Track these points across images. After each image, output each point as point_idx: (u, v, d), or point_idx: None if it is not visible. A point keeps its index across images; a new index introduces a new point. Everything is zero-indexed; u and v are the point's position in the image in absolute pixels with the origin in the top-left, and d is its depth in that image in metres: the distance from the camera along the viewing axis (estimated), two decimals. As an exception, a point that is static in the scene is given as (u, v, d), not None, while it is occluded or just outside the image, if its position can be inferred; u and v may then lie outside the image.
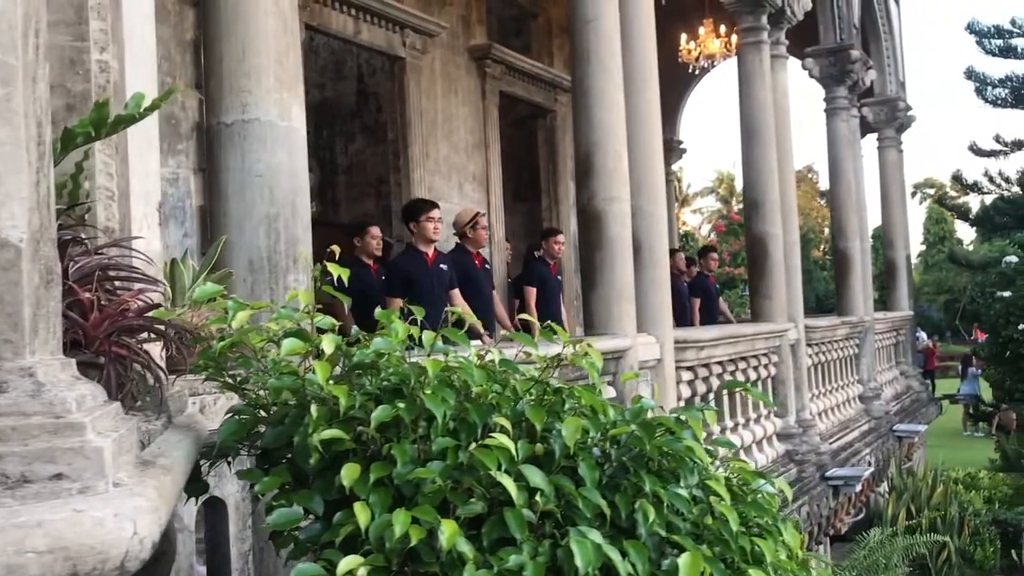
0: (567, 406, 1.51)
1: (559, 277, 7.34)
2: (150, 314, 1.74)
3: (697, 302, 9.35)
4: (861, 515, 8.72)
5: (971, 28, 14.46)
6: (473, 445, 1.37)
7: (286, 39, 2.75)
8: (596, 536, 1.34)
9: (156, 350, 1.84)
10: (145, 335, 1.75)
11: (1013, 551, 8.51)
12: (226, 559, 2.59)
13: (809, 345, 7.79)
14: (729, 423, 6.10)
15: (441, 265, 5.82)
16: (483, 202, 9.17)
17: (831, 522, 7.58)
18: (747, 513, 1.58)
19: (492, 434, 1.38)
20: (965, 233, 47.04)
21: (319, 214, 9.39)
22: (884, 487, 9.27)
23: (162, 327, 1.75)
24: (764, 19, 7.11)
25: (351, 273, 6.13)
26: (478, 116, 9.16)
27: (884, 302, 12.60)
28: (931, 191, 48.08)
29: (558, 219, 10.52)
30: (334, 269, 1.53)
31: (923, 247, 50.02)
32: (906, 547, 5.91)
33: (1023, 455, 11.07)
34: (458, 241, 6.49)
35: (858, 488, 7.41)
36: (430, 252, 5.76)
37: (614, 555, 1.33)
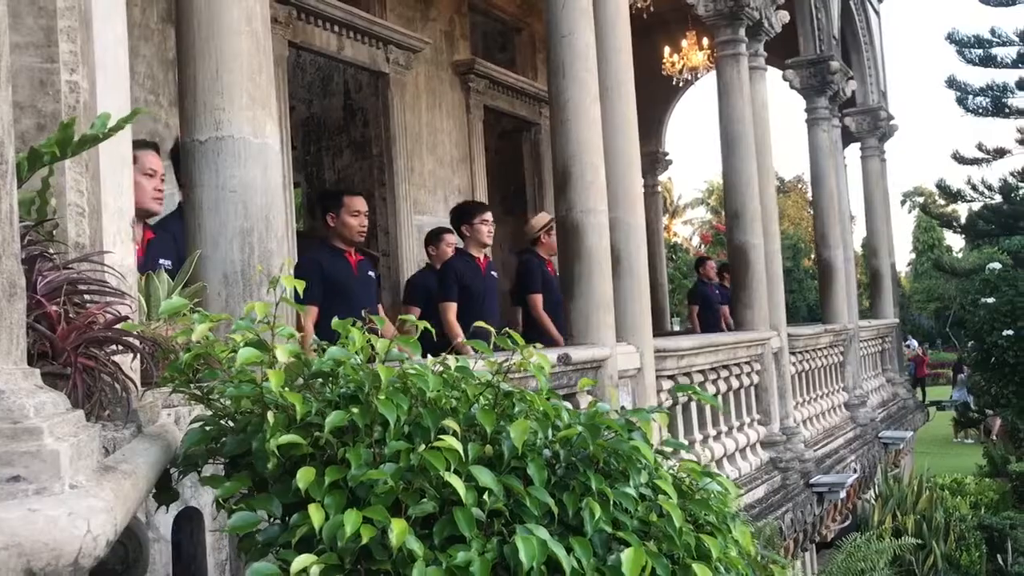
0: (517, 409, 1.57)
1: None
2: (119, 326, 1.80)
3: None
4: (848, 522, 8.77)
5: (951, 38, 14.63)
6: (423, 447, 1.42)
7: (259, 58, 2.81)
8: (543, 533, 1.40)
9: (126, 362, 1.89)
10: (114, 347, 1.81)
11: (999, 555, 8.57)
12: (203, 568, 2.63)
13: (792, 353, 7.85)
14: (712, 431, 6.15)
15: (492, 272, 5.82)
16: (469, 215, 9.22)
17: (817, 529, 7.63)
18: (696, 511, 1.64)
19: (442, 436, 1.44)
20: (955, 241, 47.39)
21: (309, 229, 9.45)
22: (871, 494, 9.33)
23: (131, 339, 1.81)
24: (742, 32, 7.20)
25: (420, 280, 5.96)
26: (463, 130, 9.24)
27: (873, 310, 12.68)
28: (921, 199, 48.39)
29: (544, 231, 10.61)
30: (288, 282, 1.59)
31: (913, 255, 50.32)
32: (883, 550, 5.96)
33: (1009, 460, 11.15)
34: (529, 247, 6.50)
35: (843, 495, 7.46)
36: (482, 257, 5.72)
37: (559, 551, 1.38)
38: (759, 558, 1.93)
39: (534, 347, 1.69)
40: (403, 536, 1.34)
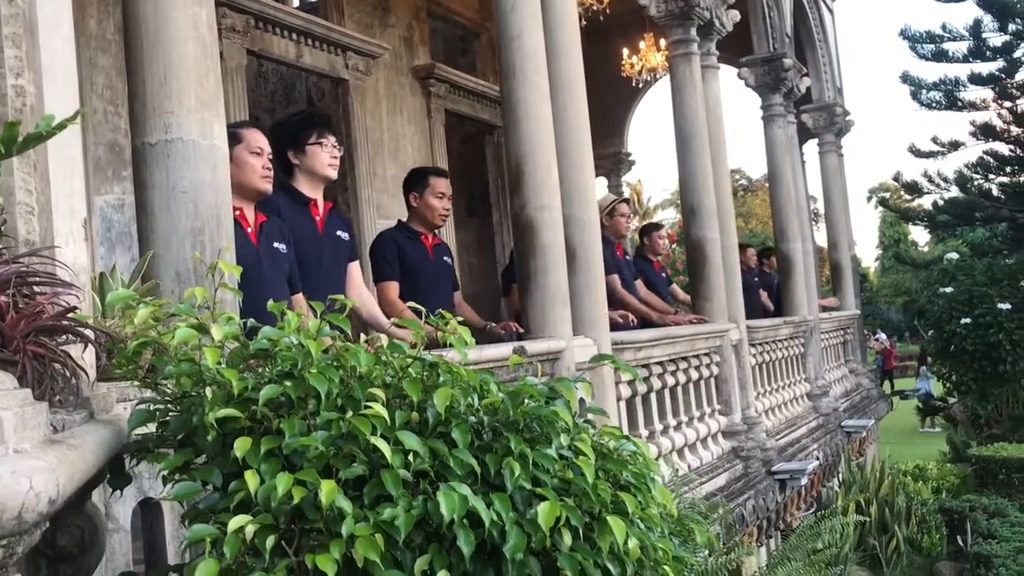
0: (441, 379, 1.68)
1: (664, 274, 7.62)
2: (69, 316, 1.89)
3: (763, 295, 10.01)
4: (813, 509, 8.95)
5: (904, 34, 14.95)
6: (351, 415, 1.53)
7: (206, 62, 2.90)
8: (464, 490, 1.51)
9: (77, 352, 1.98)
10: (65, 337, 1.89)
11: (959, 537, 8.77)
12: (163, 557, 2.71)
13: (752, 345, 8.01)
14: (672, 421, 6.28)
15: (627, 256, 6.62)
16: (433, 218, 9.31)
17: (781, 516, 7.79)
18: (615, 470, 1.75)
19: (370, 404, 1.54)
20: (921, 236, 48.11)
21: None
22: (835, 482, 9.52)
23: (81, 328, 1.89)
24: (693, 31, 7.36)
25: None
26: (424, 134, 9.35)
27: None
28: (887, 195, 49.11)
29: (509, 232, 10.74)
30: (226, 267, 1.69)
31: (879, 251, 51.04)
32: (835, 527, 6.13)
33: (970, 445, 11.40)
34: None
35: (804, 481, 7.62)
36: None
37: (479, 505, 1.49)
38: (683, 520, 2.05)
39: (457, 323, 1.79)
40: (332, 495, 1.44)
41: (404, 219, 5.13)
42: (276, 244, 3.63)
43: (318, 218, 4.08)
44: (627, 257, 7.32)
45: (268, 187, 3.65)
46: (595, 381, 5.21)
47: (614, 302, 6.37)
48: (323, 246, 4.07)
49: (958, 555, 8.65)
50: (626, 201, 7.26)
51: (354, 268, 4.31)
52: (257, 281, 3.37)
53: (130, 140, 5.96)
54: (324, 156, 4.05)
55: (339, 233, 4.18)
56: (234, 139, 3.62)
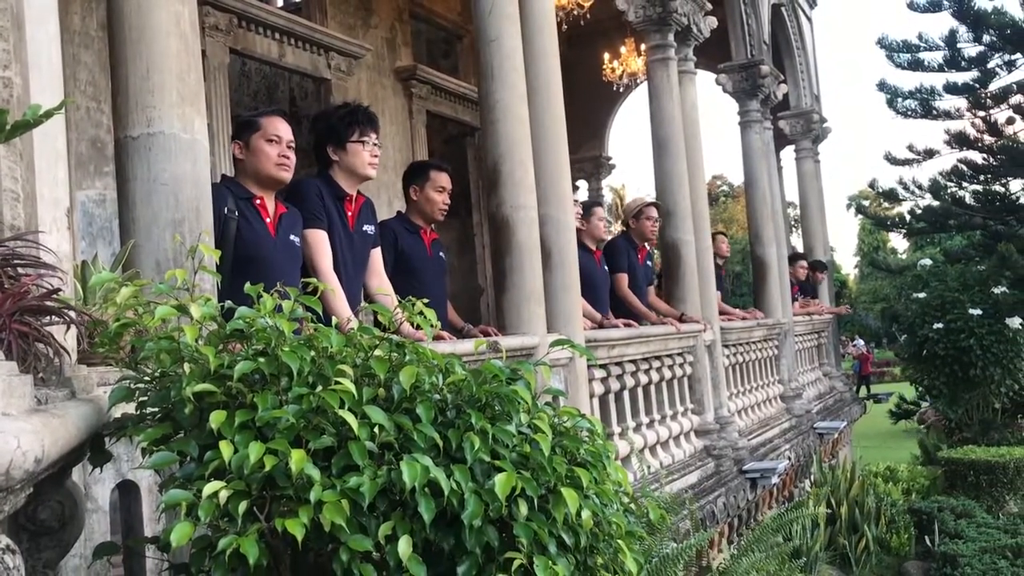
0: (408, 359, 1.78)
1: (649, 263, 7.74)
2: (54, 297, 1.97)
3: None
4: (784, 509, 9.09)
5: (881, 43, 15.20)
6: (320, 388, 1.62)
7: (188, 58, 2.99)
8: (426, 460, 1.61)
9: (60, 333, 2.06)
10: (48, 318, 1.98)
11: (927, 537, 8.93)
12: (140, 535, 2.78)
13: (726, 346, 8.14)
14: (645, 419, 6.39)
15: (648, 263, 7.12)
16: (413, 218, 9.39)
17: (753, 515, 7.92)
18: (571, 447, 1.86)
19: (339, 380, 1.64)
20: (900, 243, 48.61)
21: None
22: (807, 483, 9.66)
23: (64, 309, 1.98)
24: (671, 37, 7.49)
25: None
26: (406, 135, 9.44)
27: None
28: (866, 202, 49.51)
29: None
30: (205, 250, 1.78)
31: (858, 258, 51.54)
32: (798, 518, 6.27)
33: (940, 448, 11.59)
34: (623, 231, 7.33)
35: (775, 480, 7.75)
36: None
37: (440, 475, 1.59)
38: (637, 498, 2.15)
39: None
40: (302, 463, 1.54)
41: (403, 210, 5.11)
42: (292, 237, 3.62)
43: (350, 214, 4.04)
44: (648, 263, 7.43)
45: (284, 176, 3.60)
46: (569, 378, 5.32)
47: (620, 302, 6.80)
48: (352, 242, 4.06)
49: (926, 555, 8.80)
50: (656, 205, 7.28)
51: (375, 255, 4.26)
52: (271, 272, 3.37)
53: (112, 136, 6.02)
54: (365, 155, 3.96)
55: (365, 228, 4.12)
56: (251, 127, 3.61)
